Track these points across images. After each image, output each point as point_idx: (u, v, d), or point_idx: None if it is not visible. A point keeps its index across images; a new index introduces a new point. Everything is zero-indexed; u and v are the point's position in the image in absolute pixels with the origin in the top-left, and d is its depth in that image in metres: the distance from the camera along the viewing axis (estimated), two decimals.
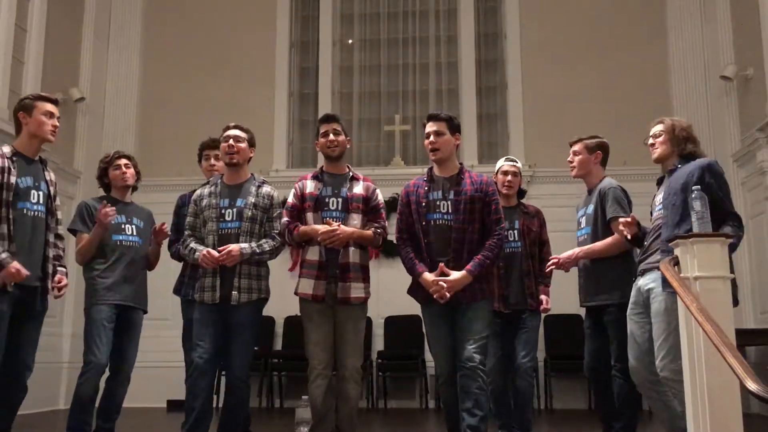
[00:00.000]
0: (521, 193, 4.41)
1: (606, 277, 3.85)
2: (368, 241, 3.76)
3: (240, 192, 3.91)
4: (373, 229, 3.77)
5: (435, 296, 3.47)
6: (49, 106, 3.74)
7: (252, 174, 4.05)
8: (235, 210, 3.86)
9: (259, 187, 3.96)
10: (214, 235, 3.82)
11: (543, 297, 4.29)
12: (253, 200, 3.89)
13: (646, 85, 7.81)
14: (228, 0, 8.67)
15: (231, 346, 3.81)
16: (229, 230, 3.82)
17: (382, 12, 8.85)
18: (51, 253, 3.74)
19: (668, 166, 3.52)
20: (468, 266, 3.50)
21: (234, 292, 3.76)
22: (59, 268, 3.85)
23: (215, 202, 3.88)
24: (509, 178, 4.28)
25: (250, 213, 3.85)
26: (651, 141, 3.59)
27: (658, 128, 3.57)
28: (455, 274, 3.47)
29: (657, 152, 3.56)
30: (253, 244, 3.80)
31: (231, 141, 3.91)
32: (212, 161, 4.49)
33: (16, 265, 3.44)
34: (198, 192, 4.01)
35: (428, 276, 3.50)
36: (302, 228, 3.74)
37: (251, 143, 4.00)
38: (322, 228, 3.65)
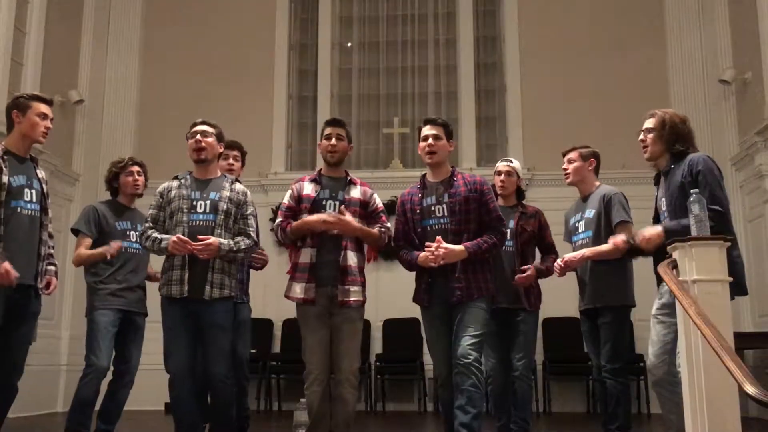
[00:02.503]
0: (521, 194, 4.41)
1: (607, 279, 3.90)
2: (373, 239, 3.74)
3: (212, 186, 3.81)
4: (378, 227, 3.75)
5: (428, 259, 3.48)
6: (44, 107, 3.69)
7: (223, 173, 3.95)
8: (208, 202, 3.73)
9: (232, 183, 3.88)
10: (184, 227, 3.67)
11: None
12: (227, 194, 3.78)
13: (645, 88, 7.81)
14: (227, 2, 8.67)
15: (207, 350, 3.68)
16: (201, 222, 3.69)
17: (381, 15, 8.86)
18: (44, 251, 3.68)
19: (662, 165, 3.50)
20: (465, 243, 3.52)
21: (207, 287, 3.63)
22: (49, 267, 3.80)
23: (186, 194, 3.75)
24: (502, 177, 4.30)
25: (225, 206, 3.74)
26: (642, 137, 3.53)
27: (649, 123, 3.50)
28: (451, 245, 3.49)
29: (647, 152, 3.52)
30: (231, 241, 3.70)
31: (198, 136, 3.80)
32: (231, 161, 4.36)
33: (6, 265, 3.36)
34: (165, 185, 3.86)
35: (422, 254, 3.54)
36: (295, 224, 3.70)
37: (220, 138, 3.89)
38: (319, 216, 3.62)
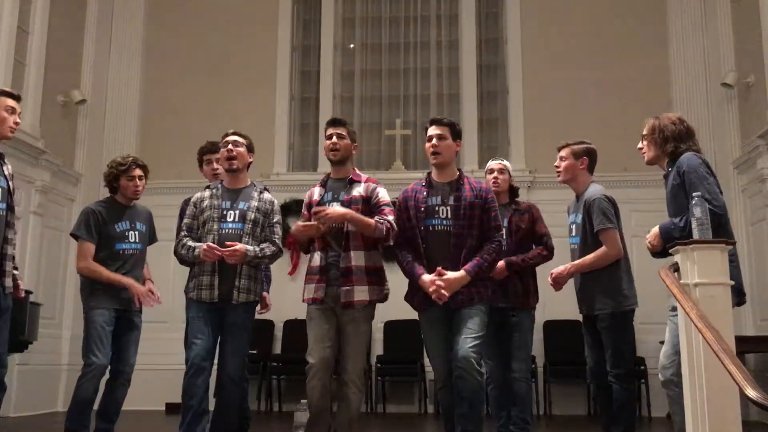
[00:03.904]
0: (514, 192, 4.40)
1: (596, 288, 3.88)
2: (367, 227, 3.61)
3: (242, 195, 4.00)
4: (376, 218, 3.64)
5: (433, 297, 3.47)
6: (11, 102, 3.61)
7: (252, 181, 4.11)
8: (237, 212, 3.93)
9: (261, 192, 4.06)
10: (215, 235, 3.88)
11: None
12: (256, 204, 3.98)
13: (647, 91, 7.81)
14: (230, 3, 8.68)
15: (225, 346, 3.86)
16: (231, 230, 3.90)
17: (383, 16, 8.87)
18: (9, 250, 3.58)
19: (662, 168, 3.52)
20: (466, 266, 3.51)
21: (235, 292, 3.84)
22: (15, 272, 3.70)
23: (217, 203, 3.96)
24: (495, 175, 4.28)
25: (253, 215, 3.94)
26: (639, 144, 3.59)
27: (644, 130, 3.55)
28: (453, 274, 3.48)
29: (645, 157, 3.58)
30: (257, 248, 3.88)
31: (230, 146, 3.98)
32: (215, 165, 4.44)
33: None
34: (198, 195, 4.07)
35: (426, 277, 3.52)
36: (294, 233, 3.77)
37: (250, 149, 4.07)
38: (303, 225, 3.65)
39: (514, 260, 4.09)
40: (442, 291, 3.45)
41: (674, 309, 3.37)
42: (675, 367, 3.30)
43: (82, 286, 4.17)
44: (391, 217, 3.66)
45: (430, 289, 3.48)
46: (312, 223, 3.61)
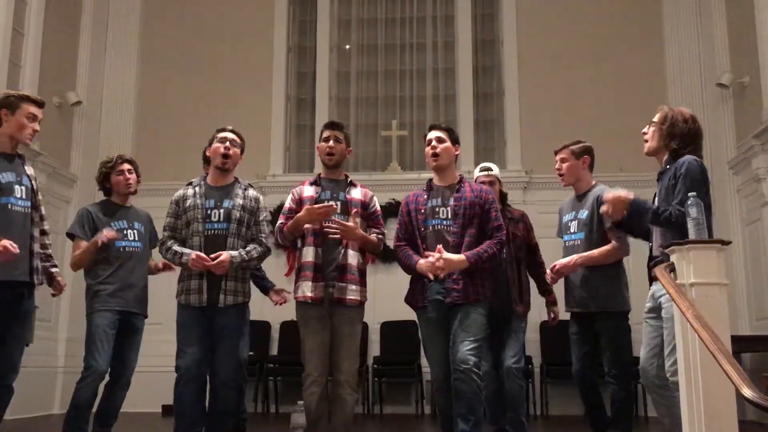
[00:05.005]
0: (504, 198, 4.41)
1: (600, 285, 3.87)
2: (371, 245, 3.80)
3: (226, 193, 3.90)
4: (375, 234, 3.81)
5: (428, 271, 3.49)
6: (33, 109, 3.64)
7: (236, 177, 4.03)
8: (221, 211, 3.84)
9: (245, 189, 3.97)
10: (200, 236, 3.80)
11: (555, 310, 4.33)
12: (240, 202, 3.88)
13: (643, 92, 7.82)
14: (226, 5, 8.68)
15: (217, 350, 3.79)
16: (216, 231, 3.81)
17: (379, 17, 8.87)
18: (36, 248, 3.67)
19: (659, 162, 3.45)
20: (466, 253, 3.52)
21: (221, 295, 3.75)
22: (53, 269, 3.82)
23: (200, 203, 3.85)
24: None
25: (238, 214, 3.85)
26: (645, 129, 3.49)
27: (655, 118, 3.45)
28: (452, 255, 3.49)
29: (646, 146, 3.49)
30: (242, 251, 3.80)
31: (228, 144, 3.91)
32: None
33: (5, 242, 3.36)
34: (180, 192, 3.97)
35: (423, 261, 3.55)
36: (289, 223, 3.74)
37: (242, 149, 4.02)
38: (321, 206, 3.64)
39: (548, 280, 4.15)
40: (437, 264, 3.46)
41: (650, 310, 3.37)
42: (656, 369, 3.29)
43: (86, 289, 4.16)
44: (383, 229, 3.88)
45: (426, 269, 3.50)
46: (340, 221, 3.64)
